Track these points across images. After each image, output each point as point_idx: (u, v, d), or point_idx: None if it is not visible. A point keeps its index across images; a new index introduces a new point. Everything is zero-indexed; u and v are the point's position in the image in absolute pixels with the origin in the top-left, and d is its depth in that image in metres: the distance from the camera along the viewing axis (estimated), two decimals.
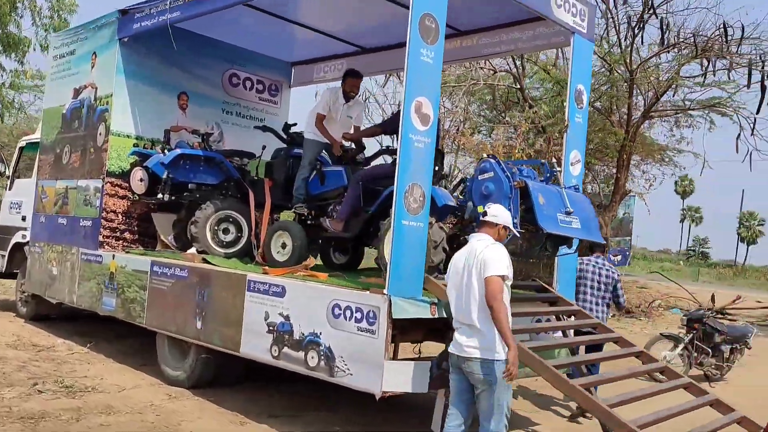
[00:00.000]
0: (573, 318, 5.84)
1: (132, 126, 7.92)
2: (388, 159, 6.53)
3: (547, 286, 6.03)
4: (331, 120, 6.72)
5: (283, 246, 6.63)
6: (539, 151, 14.29)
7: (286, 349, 5.27)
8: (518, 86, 15.78)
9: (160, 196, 7.19)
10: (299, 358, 5.14)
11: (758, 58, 13.71)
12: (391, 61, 8.27)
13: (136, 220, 7.96)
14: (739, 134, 14.38)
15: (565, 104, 6.18)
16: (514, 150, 13.02)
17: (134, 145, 7.91)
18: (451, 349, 4.16)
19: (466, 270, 4.06)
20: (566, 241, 5.35)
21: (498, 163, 5.11)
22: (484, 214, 4.24)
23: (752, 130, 14.21)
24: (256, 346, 5.53)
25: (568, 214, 5.08)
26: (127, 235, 7.87)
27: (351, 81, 6.78)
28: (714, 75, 14.10)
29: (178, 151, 7.17)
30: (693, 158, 16.43)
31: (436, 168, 6.44)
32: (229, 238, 7.19)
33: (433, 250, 5.28)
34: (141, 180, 7.80)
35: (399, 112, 6.17)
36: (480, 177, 5.20)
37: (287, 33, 8.24)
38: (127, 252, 7.47)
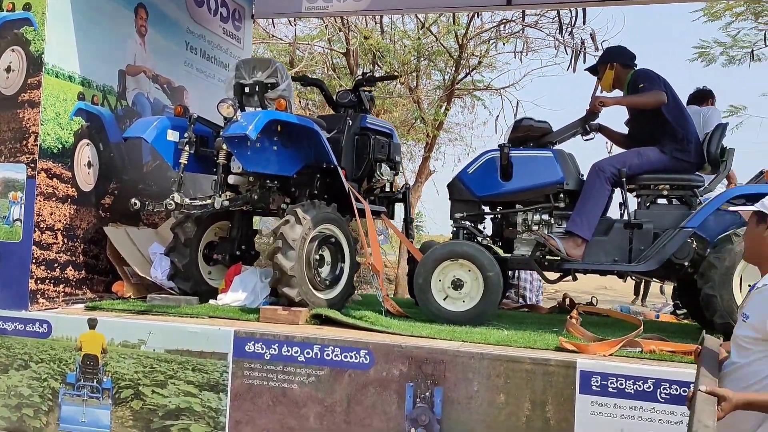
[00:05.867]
0: None
1: (76, 60, 4.04)
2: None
3: None
4: None
5: (456, 285, 3.85)
6: None
7: None
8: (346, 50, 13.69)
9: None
10: None
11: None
12: None
13: (81, 241, 4.14)
14: (498, 115, 14.55)
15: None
16: None
17: (80, 97, 4.07)
18: None
19: None
20: None
21: None
22: None
23: (515, 113, 14.60)
24: None
25: None
26: (70, 272, 4.02)
27: None
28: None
29: (265, 114, 3.62)
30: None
31: None
32: (327, 272, 4.00)
33: None
34: (89, 165, 4.13)
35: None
36: None
37: None
38: (144, 309, 3.74)
